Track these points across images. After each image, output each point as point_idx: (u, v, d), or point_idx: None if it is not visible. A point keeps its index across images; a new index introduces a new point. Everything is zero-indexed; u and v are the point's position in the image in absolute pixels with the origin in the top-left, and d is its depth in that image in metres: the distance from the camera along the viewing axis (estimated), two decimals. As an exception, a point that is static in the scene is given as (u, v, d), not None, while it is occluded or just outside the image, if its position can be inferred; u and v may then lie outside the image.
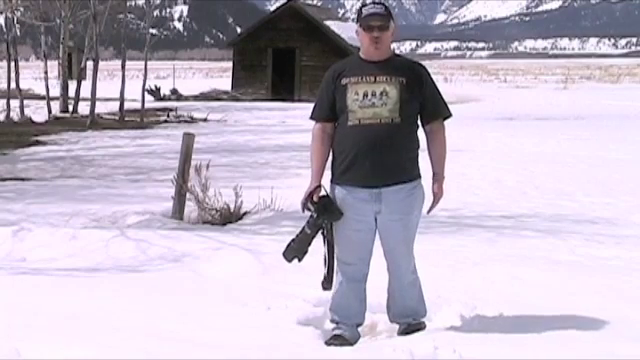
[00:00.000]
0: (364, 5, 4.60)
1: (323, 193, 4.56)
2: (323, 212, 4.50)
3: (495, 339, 4.45)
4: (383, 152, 4.45)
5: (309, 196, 4.54)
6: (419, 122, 4.61)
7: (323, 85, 4.64)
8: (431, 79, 4.63)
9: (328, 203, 4.52)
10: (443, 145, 4.65)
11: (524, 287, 5.86)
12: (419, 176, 4.61)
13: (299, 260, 4.64)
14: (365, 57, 4.56)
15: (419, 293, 4.78)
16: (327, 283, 4.61)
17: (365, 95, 4.47)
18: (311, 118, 4.67)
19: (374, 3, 4.55)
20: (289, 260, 4.65)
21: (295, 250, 4.60)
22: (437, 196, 4.61)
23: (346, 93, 4.49)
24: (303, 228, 4.58)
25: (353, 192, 4.52)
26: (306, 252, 4.60)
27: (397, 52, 4.78)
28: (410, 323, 4.73)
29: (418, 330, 4.71)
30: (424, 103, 4.56)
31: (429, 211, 4.65)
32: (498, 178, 13.21)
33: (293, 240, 4.62)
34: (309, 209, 4.55)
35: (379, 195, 4.50)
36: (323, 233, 4.55)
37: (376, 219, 4.55)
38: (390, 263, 4.67)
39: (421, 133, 4.65)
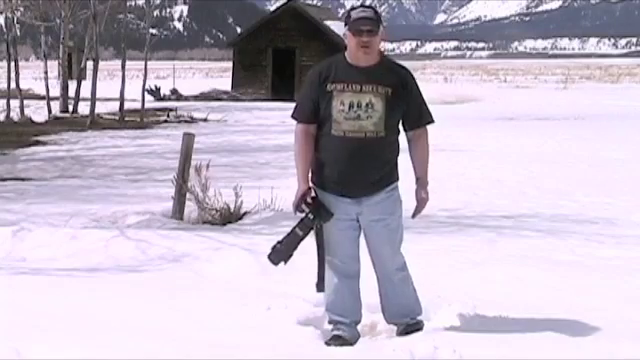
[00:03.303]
0: (353, 8, 4.56)
1: (313, 194, 4.54)
2: (319, 213, 4.49)
3: (495, 339, 4.44)
4: (366, 166, 4.46)
5: (302, 198, 4.53)
6: (400, 127, 4.60)
7: (307, 86, 4.60)
8: (416, 85, 4.61)
9: (321, 204, 4.51)
10: (426, 150, 4.64)
11: (524, 287, 5.86)
12: (397, 179, 4.62)
13: (285, 263, 4.60)
14: (352, 61, 4.51)
15: (413, 291, 4.76)
16: (320, 284, 4.61)
17: (351, 106, 4.43)
18: (293, 117, 4.62)
19: (363, 7, 4.52)
20: (276, 263, 4.61)
21: (283, 253, 4.57)
22: (423, 201, 4.61)
23: (331, 101, 4.46)
24: (293, 229, 4.55)
25: (333, 195, 4.52)
26: (291, 255, 4.58)
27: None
28: (408, 323, 4.72)
29: (417, 330, 4.70)
30: (408, 110, 4.55)
31: (414, 216, 4.64)
32: (498, 178, 13.21)
33: (279, 242, 4.58)
34: (303, 211, 4.53)
35: (359, 199, 4.52)
36: (317, 233, 4.54)
37: (359, 219, 4.56)
38: (376, 264, 4.67)
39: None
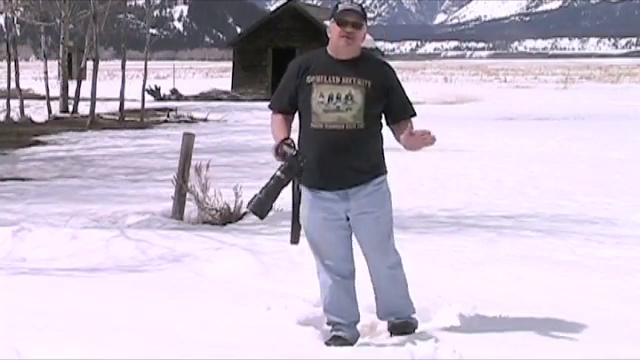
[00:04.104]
0: (340, 3, 4.56)
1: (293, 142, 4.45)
2: (300, 152, 4.39)
3: (495, 339, 4.45)
4: (348, 157, 4.44)
5: (282, 141, 4.46)
6: (383, 121, 4.58)
7: (286, 77, 4.59)
8: (398, 80, 4.60)
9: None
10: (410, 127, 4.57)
11: (524, 287, 5.87)
12: (385, 172, 4.60)
13: (262, 217, 4.49)
14: (333, 54, 4.50)
15: (403, 290, 4.72)
16: (293, 237, 4.57)
17: (330, 98, 4.43)
18: (270, 107, 4.66)
19: (351, 1, 4.53)
20: (258, 213, 4.44)
21: (264, 202, 4.41)
22: (424, 131, 4.41)
23: (311, 93, 4.46)
24: (274, 175, 4.42)
25: (319, 194, 4.51)
26: (271, 208, 4.47)
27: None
28: (394, 322, 4.70)
29: (406, 331, 4.66)
30: (391, 105, 4.53)
31: (433, 140, 4.42)
32: (498, 178, 13.21)
33: (260, 191, 4.43)
34: (284, 154, 4.42)
35: (346, 194, 4.50)
36: (293, 190, 4.45)
37: (348, 217, 4.54)
38: (367, 259, 4.65)
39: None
